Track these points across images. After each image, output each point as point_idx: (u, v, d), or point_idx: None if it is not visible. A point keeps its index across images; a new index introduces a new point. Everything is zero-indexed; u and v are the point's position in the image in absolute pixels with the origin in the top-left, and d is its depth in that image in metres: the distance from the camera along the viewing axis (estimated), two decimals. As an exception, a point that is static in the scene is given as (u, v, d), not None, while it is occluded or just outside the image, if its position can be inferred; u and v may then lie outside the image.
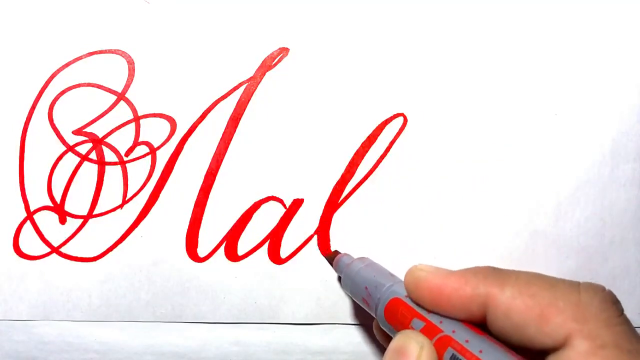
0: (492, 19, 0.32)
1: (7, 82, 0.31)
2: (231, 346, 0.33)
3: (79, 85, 0.32)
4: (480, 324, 0.24)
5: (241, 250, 0.32)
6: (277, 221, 0.32)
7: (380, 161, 0.32)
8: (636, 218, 0.33)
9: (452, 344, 0.23)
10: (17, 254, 0.32)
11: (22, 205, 0.32)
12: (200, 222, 0.32)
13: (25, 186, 0.32)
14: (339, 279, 0.32)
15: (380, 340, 0.31)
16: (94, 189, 0.32)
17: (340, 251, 0.32)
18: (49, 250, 0.32)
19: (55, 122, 0.32)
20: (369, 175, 0.32)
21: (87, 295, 0.32)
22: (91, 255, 0.32)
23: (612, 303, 0.22)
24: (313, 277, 0.33)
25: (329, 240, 0.32)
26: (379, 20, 0.32)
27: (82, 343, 0.33)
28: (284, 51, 0.32)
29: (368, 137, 0.32)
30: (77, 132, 0.32)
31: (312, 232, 0.32)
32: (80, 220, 0.32)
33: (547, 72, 0.32)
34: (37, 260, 0.32)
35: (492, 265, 0.24)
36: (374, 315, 0.28)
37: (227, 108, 0.32)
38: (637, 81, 0.33)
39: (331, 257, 0.32)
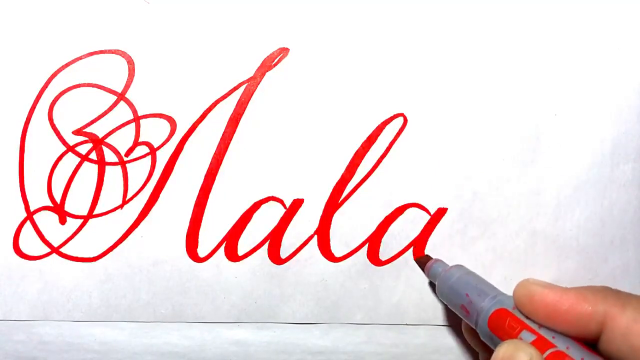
0: (492, 19, 0.32)
1: (7, 82, 0.31)
2: (231, 346, 0.33)
3: (79, 85, 0.32)
4: (591, 344, 0.24)
5: (241, 250, 0.32)
6: (277, 221, 0.32)
7: (380, 161, 0.32)
8: (636, 218, 0.33)
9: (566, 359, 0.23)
10: (17, 254, 0.32)
11: (22, 205, 0.32)
12: (200, 222, 0.32)
13: (25, 186, 0.32)
14: (430, 283, 0.32)
15: (470, 342, 0.32)
16: (94, 189, 0.32)
17: (432, 256, 0.32)
18: (49, 250, 0.32)
19: (55, 122, 0.32)
20: (369, 175, 0.32)
21: (87, 295, 0.32)
22: (91, 255, 0.32)
23: None
24: (313, 277, 0.33)
25: (329, 240, 0.33)
26: (379, 21, 0.32)
27: (82, 343, 0.33)
28: (284, 51, 0.32)
29: (368, 137, 0.32)
30: (77, 132, 0.32)
31: (312, 232, 0.32)
32: (80, 220, 0.32)
33: (547, 72, 0.32)
34: (37, 260, 0.32)
35: (606, 286, 0.25)
36: (473, 325, 0.28)
37: (227, 108, 0.32)
38: (636, 82, 0.33)
39: (422, 261, 0.32)
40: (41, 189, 0.32)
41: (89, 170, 0.32)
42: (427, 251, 0.33)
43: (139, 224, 0.32)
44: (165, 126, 0.32)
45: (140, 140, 0.32)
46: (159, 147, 0.32)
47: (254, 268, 0.33)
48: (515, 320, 0.26)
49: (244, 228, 0.32)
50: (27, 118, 0.31)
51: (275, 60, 0.32)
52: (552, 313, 0.25)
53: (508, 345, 0.24)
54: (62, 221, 0.32)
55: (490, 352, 0.30)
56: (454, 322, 0.33)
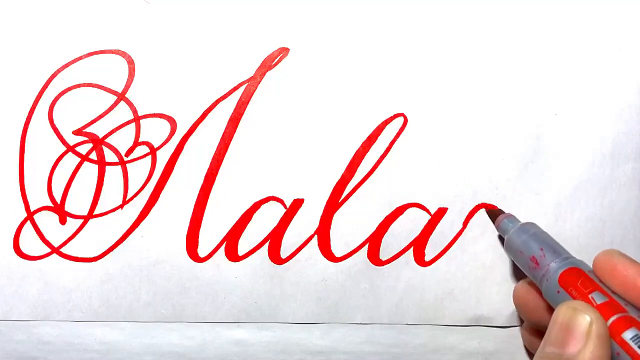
0: (492, 19, 0.32)
1: (7, 82, 0.31)
2: (231, 346, 0.33)
3: (79, 85, 0.31)
4: None
5: (241, 250, 0.32)
6: (277, 221, 0.32)
7: (380, 161, 0.32)
8: (636, 218, 0.33)
9: (638, 325, 0.23)
10: (17, 254, 0.32)
11: (22, 205, 0.32)
12: (200, 222, 0.32)
13: (25, 186, 0.32)
14: (499, 237, 0.32)
15: (518, 306, 0.31)
16: (94, 189, 0.32)
17: (504, 211, 0.32)
18: (49, 250, 0.32)
19: (55, 122, 0.32)
20: (369, 176, 0.32)
21: (87, 295, 0.32)
22: (91, 255, 0.32)
23: None
24: (313, 277, 0.33)
25: (329, 240, 0.33)
26: (379, 21, 0.32)
27: (82, 343, 0.33)
28: (284, 51, 0.32)
29: (368, 137, 0.32)
30: (77, 132, 0.32)
31: (312, 232, 0.32)
32: (81, 221, 0.32)
33: (547, 72, 0.32)
34: (37, 261, 0.32)
35: None
36: (538, 280, 0.28)
37: (227, 108, 0.32)
38: (637, 81, 0.33)
39: (494, 214, 0.32)
40: (41, 189, 0.32)
41: (89, 170, 0.32)
42: (427, 251, 0.33)
43: (139, 224, 0.32)
44: (165, 126, 0.32)
45: (140, 140, 0.32)
46: (159, 147, 0.32)
47: (254, 268, 0.33)
48: (589, 281, 0.26)
49: (244, 228, 0.32)
50: (27, 118, 0.31)
51: (275, 60, 0.32)
52: (631, 286, 0.25)
53: (567, 308, 0.24)
54: (62, 221, 0.32)
55: (536, 323, 0.30)
56: (454, 322, 0.33)
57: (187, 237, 0.32)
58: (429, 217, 0.33)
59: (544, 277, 0.27)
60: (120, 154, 0.32)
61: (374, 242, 0.33)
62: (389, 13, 0.32)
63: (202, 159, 0.32)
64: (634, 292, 0.25)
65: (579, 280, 0.26)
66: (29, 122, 0.31)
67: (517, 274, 0.33)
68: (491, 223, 0.33)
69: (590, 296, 0.25)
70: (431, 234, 0.33)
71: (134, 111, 0.32)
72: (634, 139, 0.33)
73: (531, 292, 0.30)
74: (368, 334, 0.33)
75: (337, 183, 0.32)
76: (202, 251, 0.32)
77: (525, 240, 0.29)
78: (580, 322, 0.23)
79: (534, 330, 0.32)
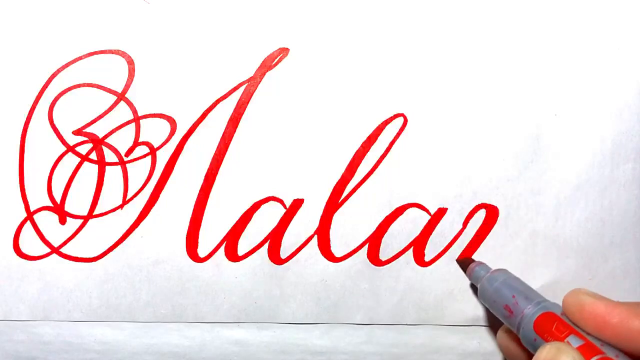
0: (492, 19, 0.32)
1: (7, 82, 0.31)
2: (231, 346, 0.33)
3: (79, 85, 0.32)
4: None
5: (241, 250, 0.32)
6: (277, 221, 0.32)
7: (380, 161, 0.32)
8: (636, 218, 0.33)
9: None
10: (17, 254, 0.32)
11: (22, 205, 0.32)
12: (200, 222, 0.32)
13: (25, 186, 0.32)
14: (472, 285, 0.33)
15: (503, 350, 0.31)
16: (94, 189, 0.32)
17: (474, 259, 0.33)
18: (49, 250, 0.32)
19: (55, 122, 0.32)
20: (369, 176, 0.32)
21: (87, 295, 0.32)
22: (91, 255, 0.32)
23: None
24: (313, 277, 0.33)
25: (329, 240, 0.33)
26: (379, 21, 0.32)
27: (82, 343, 0.33)
28: (284, 51, 0.32)
29: (368, 137, 0.32)
30: (77, 132, 0.32)
31: (312, 232, 0.32)
32: (80, 221, 0.32)
33: (547, 73, 0.32)
34: (37, 261, 0.32)
35: None
36: (514, 327, 0.28)
37: (227, 108, 0.32)
38: (637, 81, 0.33)
39: (464, 263, 0.32)
40: (41, 189, 0.32)
41: (89, 170, 0.32)
42: (427, 251, 0.33)
43: (139, 224, 0.32)
44: (165, 126, 0.32)
45: (140, 140, 0.32)
46: (159, 147, 0.32)
47: (254, 268, 0.33)
48: (564, 325, 0.26)
49: (244, 228, 0.32)
50: (27, 118, 0.31)
51: (275, 60, 0.32)
52: (602, 324, 0.25)
53: (551, 347, 0.24)
54: (62, 221, 0.32)
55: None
56: (454, 322, 0.33)
57: (187, 237, 0.32)
58: (429, 217, 0.33)
59: (519, 324, 0.28)
60: (120, 154, 0.32)
61: (373, 242, 0.33)
62: (389, 13, 0.32)
63: (202, 159, 0.32)
64: (606, 330, 0.25)
65: (554, 325, 0.26)
66: (29, 122, 0.31)
67: (517, 274, 0.33)
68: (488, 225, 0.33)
69: (566, 340, 0.25)
70: (431, 234, 0.33)
71: (134, 111, 0.32)
72: (633, 139, 0.33)
73: (511, 341, 0.30)
74: (368, 334, 0.33)
75: (337, 183, 0.32)
76: (202, 251, 0.32)
77: (497, 288, 0.29)
78: None
79: None
